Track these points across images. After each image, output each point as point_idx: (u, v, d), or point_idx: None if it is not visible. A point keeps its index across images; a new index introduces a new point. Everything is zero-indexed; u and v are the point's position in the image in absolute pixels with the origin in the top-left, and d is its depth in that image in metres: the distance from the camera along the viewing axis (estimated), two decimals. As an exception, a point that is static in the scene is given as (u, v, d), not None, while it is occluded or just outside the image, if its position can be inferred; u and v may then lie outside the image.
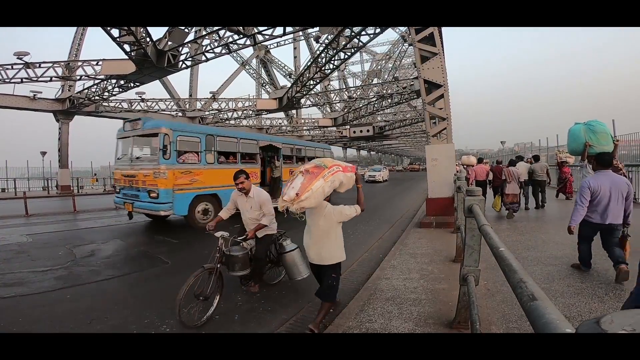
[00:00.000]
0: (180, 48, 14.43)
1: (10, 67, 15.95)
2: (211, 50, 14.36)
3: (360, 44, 15.68)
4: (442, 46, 8.83)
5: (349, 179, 3.10)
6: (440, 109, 8.52)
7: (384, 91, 24.51)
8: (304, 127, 35.29)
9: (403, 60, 32.73)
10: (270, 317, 3.55)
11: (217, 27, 14.15)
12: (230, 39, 13.94)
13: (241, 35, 13.61)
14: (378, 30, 14.15)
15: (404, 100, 25.06)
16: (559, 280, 4.00)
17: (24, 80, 16.29)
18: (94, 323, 3.37)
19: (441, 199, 8.11)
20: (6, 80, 16.17)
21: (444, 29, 10.24)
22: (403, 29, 26.51)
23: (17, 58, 15.60)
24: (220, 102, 26.04)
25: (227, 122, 28.59)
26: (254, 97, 28.60)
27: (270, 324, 3.41)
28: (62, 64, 16.79)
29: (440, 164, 8.29)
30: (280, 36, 14.66)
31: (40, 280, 4.66)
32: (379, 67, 34.49)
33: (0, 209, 12.74)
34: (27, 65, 15.81)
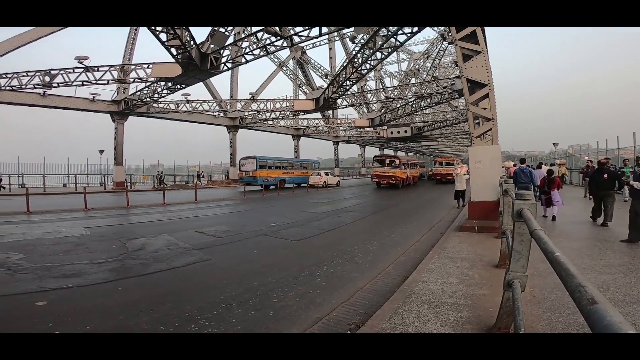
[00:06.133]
0: (222, 51, 15.13)
1: (72, 70, 17.37)
2: (250, 53, 14.90)
3: (397, 43, 15.42)
4: (486, 43, 8.44)
5: (466, 169, 11.84)
6: (485, 109, 8.14)
7: (423, 91, 23.87)
8: (340, 128, 35.27)
9: (442, 59, 31.62)
10: (303, 315, 3.58)
11: (255, 30, 14.64)
12: (268, 41, 14.34)
13: (278, 37, 13.95)
14: (416, 29, 13.84)
15: (444, 100, 24.26)
16: (614, 289, 3.80)
17: (84, 83, 17.68)
18: (141, 315, 3.53)
19: (485, 203, 7.76)
20: (68, 83, 17.66)
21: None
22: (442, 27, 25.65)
23: (78, 62, 16.89)
24: (259, 103, 26.81)
25: (266, 122, 29.32)
26: (291, 97, 29.11)
27: (303, 322, 3.44)
28: (118, 67, 18.07)
29: (485, 166, 7.95)
30: (317, 37, 14.83)
31: (95, 272, 4.97)
32: (417, 66, 33.61)
33: (63, 203, 14.04)
34: (87, 68, 17.15)
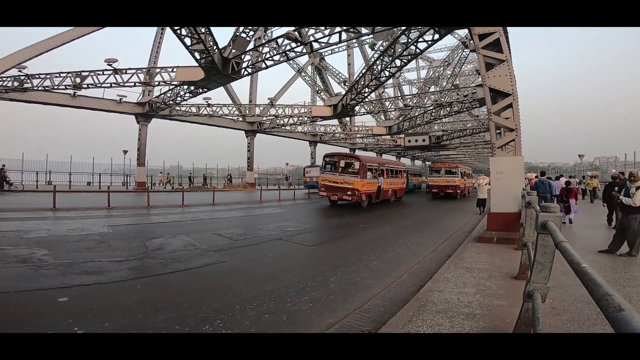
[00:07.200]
0: (243, 56, 15.47)
1: (101, 72, 17.86)
2: (270, 58, 15.15)
3: (418, 51, 15.27)
4: (510, 52, 8.30)
5: (487, 180, 12.08)
6: (507, 118, 7.99)
7: (442, 99, 23.59)
8: (358, 135, 35.21)
9: (463, 67, 31.15)
10: (317, 320, 3.58)
11: (276, 35, 14.90)
12: (288, 47, 14.54)
13: (298, 43, 14.12)
14: (437, 36, 13.70)
15: (464, 109, 23.88)
16: (637, 302, 3.76)
17: (112, 85, 18.24)
18: (158, 314, 3.59)
19: (505, 214, 7.60)
20: (97, 85, 18.24)
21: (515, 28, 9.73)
22: (462, 34, 25.37)
23: (108, 64, 17.31)
24: (277, 108, 27.10)
25: (283, 127, 29.61)
26: (309, 103, 29.31)
27: (316, 327, 3.43)
28: (144, 70, 18.59)
29: (506, 177, 7.80)
30: (336, 44, 14.93)
31: (116, 270, 5.08)
32: (437, 74, 33.24)
33: (87, 201, 14.56)
34: (116, 71, 17.61)
